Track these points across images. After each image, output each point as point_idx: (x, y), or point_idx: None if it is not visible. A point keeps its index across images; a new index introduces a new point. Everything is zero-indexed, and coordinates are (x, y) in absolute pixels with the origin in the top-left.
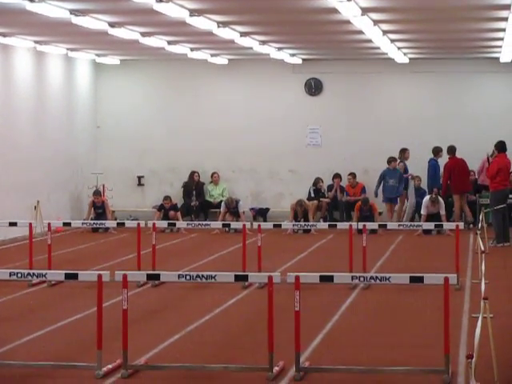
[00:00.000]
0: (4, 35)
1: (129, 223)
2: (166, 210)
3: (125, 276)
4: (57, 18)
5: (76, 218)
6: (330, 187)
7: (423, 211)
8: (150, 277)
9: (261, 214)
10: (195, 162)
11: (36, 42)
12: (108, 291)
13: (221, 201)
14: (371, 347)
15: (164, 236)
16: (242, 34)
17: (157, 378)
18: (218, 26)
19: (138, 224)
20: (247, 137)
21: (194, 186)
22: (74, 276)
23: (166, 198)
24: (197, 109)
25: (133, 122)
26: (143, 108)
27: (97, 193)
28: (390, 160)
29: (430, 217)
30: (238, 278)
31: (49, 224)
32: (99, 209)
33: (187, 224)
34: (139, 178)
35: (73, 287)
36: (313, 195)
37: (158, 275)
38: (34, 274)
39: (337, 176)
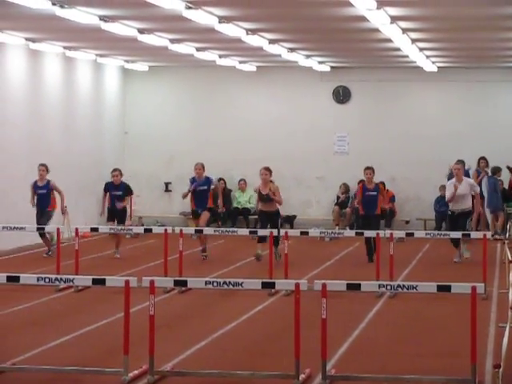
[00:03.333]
0: (34, 41)
1: (156, 229)
2: (110, 191)
3: (152, 282)
4: (86, 24)
5: (103, 223)
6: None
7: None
8: (177, 283)
9: (288, 221)
10: (223, 168)
11: (65, 47)
12: (135, 297)
13: (245, 208)
14: (397, 356)
15: (191, 242)
16: (271, 42)
17: None
18: (247, 33)
19: (165, 230)
20: (275, 144)
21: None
22: (102, 281)
23: (116, 170)
24: (224, 116)
25: (160, 129)
26: (171, 114)
27: (43, 166)
28: (497, 170)
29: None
30: (264, 285)
31: (76, 229)
32: (42, 189)
33: (214, 231)
34: (166, 184)
35: (100, 292)
36: (339, 202)
37: (185, 281)
38: (61, 279)
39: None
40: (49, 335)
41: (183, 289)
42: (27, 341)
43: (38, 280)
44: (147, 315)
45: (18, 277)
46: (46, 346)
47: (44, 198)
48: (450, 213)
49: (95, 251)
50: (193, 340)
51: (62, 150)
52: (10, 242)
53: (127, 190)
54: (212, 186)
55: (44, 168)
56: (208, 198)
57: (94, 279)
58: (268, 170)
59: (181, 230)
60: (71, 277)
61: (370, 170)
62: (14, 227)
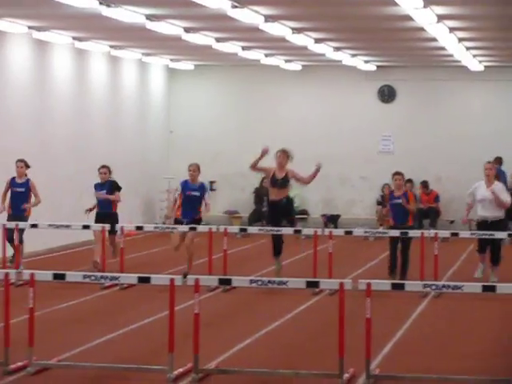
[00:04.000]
0: (80, 40)
1: (200, 228)
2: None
3: (197, 280)
4: (132, 23)
5: (147, 221)
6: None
7: None
8: (222, 281)
9: (332, 220)
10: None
11: (111, 46)
12: (179, 295)
13: None
14: (442, 356)
15: (235, 241)
16: (316, 41)
17: (227, 382)
18: (292, 32)
19: (210, 229)
20: (319, 143)
21: (265, 192)
22: (147, 280)
23: (104, 167)
24: (269, 114)
25: (205, 127)
26: (216, 113)
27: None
28: None
29: None
30: (309, 284)
31: (122, 228)
32: (20, 187)
33: (258, 229)
34: (211, 182)
35: (144, 290)
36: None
37: (230, 280)
38: (107, 276)
39: (408, 182)
40: (94, 333)
41: (227, 287)
42: (72, 338)
43: (83, 278)
44: (192, 313)
45: (64, 274)
46: (92, 344)
47: (21, 196)
48: (479, 220)
49: (140, 249)
50: (237, 338)
51: (107, 149)
52: (55, 240)
53: (113, 187)
54: (206, 195)
55: (23, 164)
56: (199, 208)
57: (139, 277)
58: (286, 153)
59: (225, 229)
60: (117, 275)
61: (399, 175)
62: (60, 225)
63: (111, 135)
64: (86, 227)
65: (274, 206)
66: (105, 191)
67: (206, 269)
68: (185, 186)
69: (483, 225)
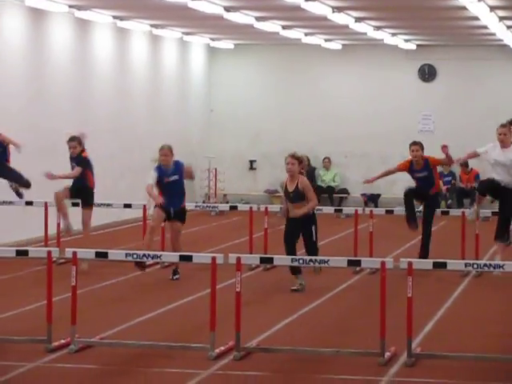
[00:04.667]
0: (121, 19)
1: (241, 206)
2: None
3: (239, 259)
4: (173, 2)
5: (188, 200)
6: (439, 175)
7: None
8: (263, 260)
9: (372, 199)
10: (307, 146)
11: (152, 25)
12: (221, 273)
13: (329, 186)
14: (483, 335)
15: (277, 219)
16: (357, 20)
17: (269, 360)
18: (333, 11)
19: (251, 208)
20: (359, 122)
21: (305, 171)
22: (189, 258)
23: (73, 138)
24: (309, 94)
25: (245, 106)
26: (256, 92)
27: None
28: None
29: None
30: (350, 262)
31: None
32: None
33: None
34: (251, 162)
35: (186, 269)
36: None
37: (272, 259)
38: (149, 255)
39: None
40: (136, 311)
41: (268, 266)
42: (115, 316)
43: (126, 256)
44: (233, 292)
45: (107, 253)
46: (133, 322)
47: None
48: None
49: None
50: (278, 317)
51: (147, 128)
52: (97, 218)
53: (82, 163)
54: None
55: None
56: (183, 192)
57: (181, 256)
58: (295, 157)
59: (266, 208)
60: (159, 253)
61: (416, 145)
62: (101, 204)
63: (152, 114)
64: (127, 206)
65: (291, 222)
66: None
67: (246, 248)
68: (160, 172)
69: (494, 184)
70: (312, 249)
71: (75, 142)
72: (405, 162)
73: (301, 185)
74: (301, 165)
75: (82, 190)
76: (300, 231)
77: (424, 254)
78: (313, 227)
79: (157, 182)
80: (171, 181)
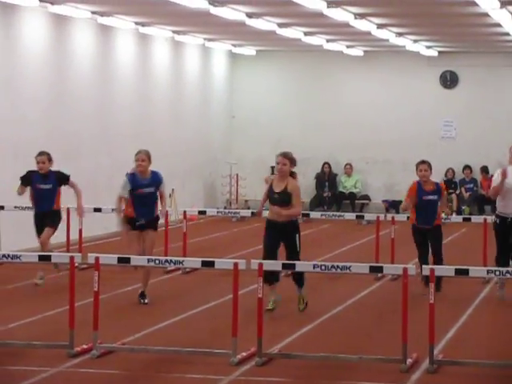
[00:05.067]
0: (143, 25)
1: (263, 213)
2: (35, 183)
3: (261, 265)
4: (195, 8)
5: (209, 206)
6: (461, 181)
7: None
8: (285, 266)
9: (393, 206)
10: (328, 152)
11: (174, 31)
12: (242, 279)
13: (351, 192)
14: (505, 341)
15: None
16: (379, 26)
17: (291, 366)
18: (355, 18)
19: None
20: (381, 128)
21: (326, 177)
22: (211, 264)
23: (42, 154)
24: (331, 100)
25: (267, 112)
26: (277, 98)
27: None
28: None
29: None
30: (372, 269)
31: (184, 212)
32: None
33: (321, 214)
34: (272, 168)
35: (207, 275)
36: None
37: (294, 265)
38: (171, 260)
39: (466, 168)
40: (157, 316)
41: (289, 272)
42: (136, 322)
43: (148, 262)
44: (255, 298)
45: (129, 258)
46: (155, 327)
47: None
48: (497, 220)
49: (202, 234)
50: (300, 323)
51: (169, 133)
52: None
53: (60, 179)
54: (161, 187)
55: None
56: (156, 202)
57: (203, 261)
58: (288, 157)
59: None
60: (181, 259)
61: (424, 164)
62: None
63: (174, 120)
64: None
65: (271, 226)
66: (51, 185)
67: None
68: (133, 181)
69: (502, 225)
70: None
71: (45, 156)
72: (411, 187)
73: (290, 187)
74: (292, 166)
75: (51, 215)
76: (282, 239)
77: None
78: (296, 236)
79: (128, 191)
80: (145, 193)
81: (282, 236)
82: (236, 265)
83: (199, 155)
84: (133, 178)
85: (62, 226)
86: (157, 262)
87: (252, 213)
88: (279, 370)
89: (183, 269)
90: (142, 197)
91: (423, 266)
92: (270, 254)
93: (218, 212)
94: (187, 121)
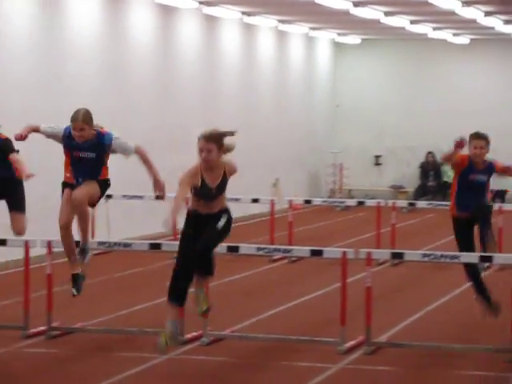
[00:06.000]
0: (248, 14)
1: (368, 202)
2: None
3: (369, 253)
4: None
5: (313, 195)
6: None
7: None
8: (394, 255)
9: (499, 195)
10: (432, 141)
11: (279, 21)
12: (349, 268)
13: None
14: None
15: (401, 215)
16: (486, 14)
17: (399, 355)
18: (462, 6)
19: (378, 203)
20: (486, 117)
21: (431, 167)
22: (319, 253)
23: None
24: (435, 89)
25: (371, 101)
26: (381, 87)
27: None
28: None
29: None
30: (483, 258)
31: (290, 201)
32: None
33: (427, 204)
34: (376, 157)
35: (313, 264)
36: None
37: (402, 254)
38: (279, 249)
39: None
40: (265, 305)
41: (395, 261)
42: (245, 310)
43: (257, 250)
44: (361, 287)
45: (238, 247)
46: (263, 315)
47: None
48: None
49: (307, 223)
50: (407, 312)
51: (273, 123)
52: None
53: (6, 146)
54: (113, 143)
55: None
56: (100, 169)
57: (311, 250)
58: (213, 139)
59: (393, 203)
60: (290, 247)
61: (481, 140)
62: (231, 198)
63: (278, 109)
64: (254, 201)
65: (197, 218)
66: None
67: (372, 243)
68: (68, 140)
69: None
70: (209, 246)
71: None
72: (463, 157)
73: (230, 174)
74: (222, 149)
75: (11, 184)
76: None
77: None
78: (223, 218)
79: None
80: (83, 157)
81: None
82: (344, 253)
83: (303, 144)
84: (68, 136)
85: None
86: (265, 250)
87: (358, 202)
88: (388, 358)
89: (289, 258)
90: (80, 161)
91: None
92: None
93: (323, 201)
94: (291, 109)
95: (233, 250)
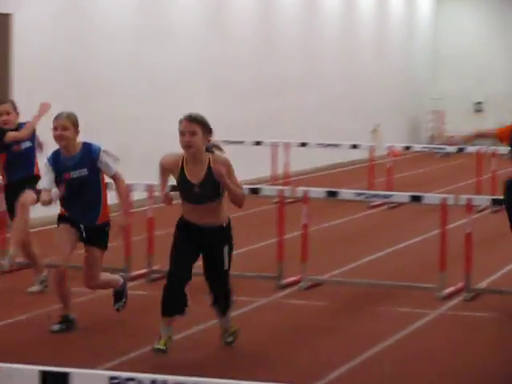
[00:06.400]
0: None
1: (468, 148)
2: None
3: (470, 199)
4: None
5: (412, 141)
6: None
7: None
8: (495, 201)
9: None
10: None
11: None
12: (449, 215)
13: None
14: None
15: (502, 162)
16: None
17: (498, 302)
18: None
19: (479, 149)
20: None
21: None
22: (418, 198)
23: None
24: None
25: (471, 47)
26: (482, 33)
27: None
28: None
29: None
30: None
31: (390, 147)
32: None
33: None
34: (477, 103)
35: (412, 210)
36: None
37: (502, 200)
38: (379, 195)
39: None
40: (363, 250)
41: (495, 209)
42: (343, 255)
43: (356, 195)
44: (462, 233)
45: (337, 192)
46: (361, 261)
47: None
48: None
49: (406, 169)
50: (507, 259)
51: (374, 70)
52: (326, 159)
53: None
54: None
55: None
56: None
57: (411, 196)
58: (198, 121)
59: (494, 150)
60: (389, 193)
61: None
62: (329, 144)
63: (378, 55)
64: (354, 147)
65: (189, 231)
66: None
67: (472, 190)
68: (55, 165)
69: None
70: (222, 286)
71: (7, 104)
72: (507, 129)
73: (215, 169)
74: (209, 135)
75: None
76: (201, 249)
77: None
78: (225, 248)
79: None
80: (75, 178)
81: (202, 245)
82: (444, 200)
83: (403, 91)
84: (54, 158)
85: (266, 160)
86: (365, 195)
87: (458, 149)
88: (487, 305)
89: (388, 204)
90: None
91: None
92: (179, 269)
93: (423, 147)
94: (391, 56)
95: (332, 194)
